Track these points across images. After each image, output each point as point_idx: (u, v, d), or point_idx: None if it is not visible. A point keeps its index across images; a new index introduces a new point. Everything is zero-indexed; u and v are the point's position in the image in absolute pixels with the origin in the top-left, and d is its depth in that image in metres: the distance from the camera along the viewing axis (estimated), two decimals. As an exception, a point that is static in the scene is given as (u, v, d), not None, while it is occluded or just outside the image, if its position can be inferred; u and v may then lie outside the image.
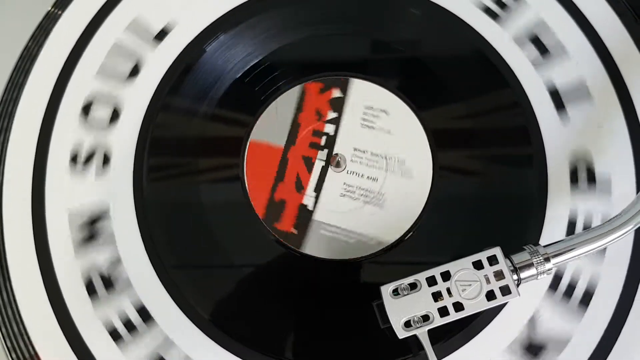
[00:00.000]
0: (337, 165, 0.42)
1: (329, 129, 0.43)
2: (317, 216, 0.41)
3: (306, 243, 0.41)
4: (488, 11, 0.46)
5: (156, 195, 0.42)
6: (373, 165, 0.42)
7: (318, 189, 0.42)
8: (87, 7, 0.46)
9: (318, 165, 0.42)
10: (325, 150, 0.43)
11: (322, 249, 0.41)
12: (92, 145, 0.43)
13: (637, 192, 0.41)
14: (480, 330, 0.39)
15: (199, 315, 0.40)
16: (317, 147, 0.43)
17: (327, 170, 0.42)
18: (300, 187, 0.42)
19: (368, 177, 0.42)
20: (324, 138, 0.43)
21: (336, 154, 0.42)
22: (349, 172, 0.42)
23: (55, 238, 0.41)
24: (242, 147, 0.43)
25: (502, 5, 0.46)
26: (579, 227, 0.41)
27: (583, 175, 0.42)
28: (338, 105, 0.43)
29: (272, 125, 0.43)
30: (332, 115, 0.43)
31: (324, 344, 0.39)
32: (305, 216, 0.41)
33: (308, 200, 0.42)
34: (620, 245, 0.40)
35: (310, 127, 0.43)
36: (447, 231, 0.41)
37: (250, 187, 0.41)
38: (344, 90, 0.44)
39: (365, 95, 0.44)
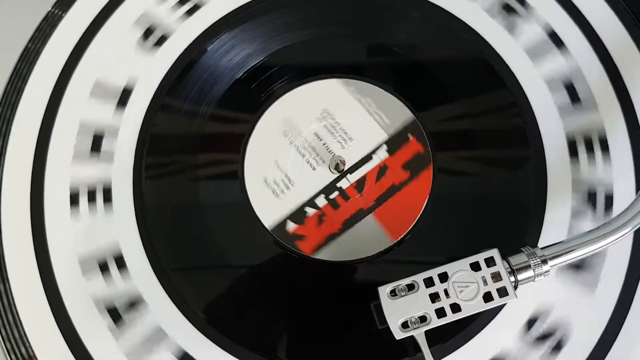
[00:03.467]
0: (337, 167, 0.42)
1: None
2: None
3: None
4: (489, 12, 0.46)
5: (155, 195, 0.42)
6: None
7: (360, 177, 0.43)
8: (89, 8, 0.46)
9: (342, 182, 0.43)
10: (327, 193, 0.43)
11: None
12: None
13: (636, 193, 0.41)
14: (478, 332, 0.39)
15: (197, 316, 0.40)
16: (329, 199, 0.42)
17: (346, 171, 0.43)
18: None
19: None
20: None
21: (332, 159, 0.42)
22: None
23: (54, 238, 0.41)
24: (242, 146, 0.43)
25: (504, 6, 0.46)
26: (578, 229, 0.41)
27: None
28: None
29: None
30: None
31: (322, 345, 0.39)
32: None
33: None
34: (619, 247, 0.40)
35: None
36: (446, 232, 0.41)
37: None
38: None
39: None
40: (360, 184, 0.42)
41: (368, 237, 0.41)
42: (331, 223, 0.42)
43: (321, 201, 0.42)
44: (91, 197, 0.42)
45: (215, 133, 0.44)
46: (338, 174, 0.42)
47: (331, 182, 0.42)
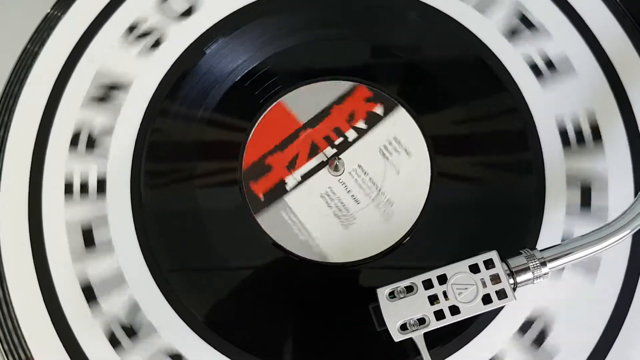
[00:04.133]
0: (335, 169, 0.42)
1: (351, 135, 0.43)
2: (288, 198, 0.42)
3: (264, 214, 0.41)
4: (488, 15, 0.46)
5: (154, 200, 0.42)
6: (364, 190, 0.42)
7: (306, 177, 0.42)
8: (87, 10, 0.46)
9: (319, 158, 0.43)
10: (334, 150, 0.43)
11: (271, 228, 0.41)
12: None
13: (635, 196, 0.41)
14: (477, 335, 0.39)
15: (196, 320, 0.39)
16: (330, 142, 0.43)
17: (324, 167, 0.42)
18: (292, 166, 0.42)
19: (353, 196, 0.42)
20: (340, 139, 0.43)
21: (340, 159, 0.42)
22: (341, 181, 0.42)
23: (52, 240, 0.41)
24: (240, 152, 0.43)
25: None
26: (577, 231, 0.41)
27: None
28: (373, 120, 0.43)
29: (307, 100, 0.43)
30: (361, 125, 0.43)
31: (320, 347, 0.39)
32: (278, 191, 0.42)
33: (291, 180, 0.42)
34: (617, 250, 0.40)
35: (337, 123, 0.43)
36: (445, 235, 0.41)
37: (250, 141, 0.42)
38: (387, 111, 0.44)
39: (400, 128, 0.43)
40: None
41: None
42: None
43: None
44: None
45: (215, 137, 0.44)
46: (326, 157, 0.42)
47: (324, 140, 0.43)
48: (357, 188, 0.42)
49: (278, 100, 0.44)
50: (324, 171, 0.42)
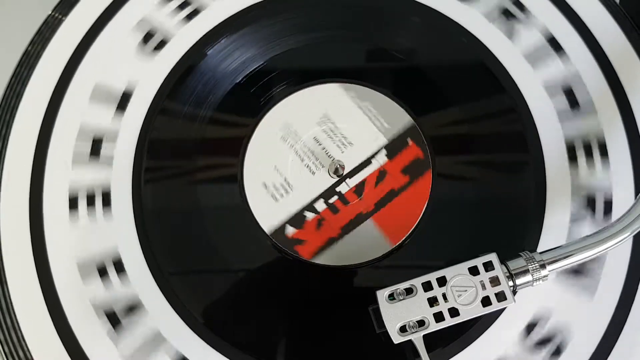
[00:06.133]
0: (336, 171, 0.42)
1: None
2: None
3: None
4: (488, 16, 0.46)
5: (155, 199, 0.42)
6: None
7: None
8: (89, 12, 0.46)
9: (341, 186, 0.43)
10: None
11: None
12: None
13: (635, 198, 0.41)
14: (477, 337, 0.39)
15: (196, 320, 0.40)
16: (328, 203, 0.43)
17: (345, 175, 0.43)
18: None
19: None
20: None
21: (340, 162, 0.43)
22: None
23: (53, 242, 0.41)
24: (242, 151, 0.43)
25: (504, 11, 0.46)
26: (577, 234, 0.41)
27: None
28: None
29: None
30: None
31: (319, 349, 0.39)
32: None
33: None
34: (618, 252, 0.40)
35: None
36: (444, 237, 0.41)
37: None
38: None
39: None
40: (359, 189, 0.42)
41: (367, 242, 0.41)
42: (330, 227, 0.42)
43: (320, 205, 0.42)
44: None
45: (215, 137, 0.44)
46: (337, 179, 0.42)
47: (330, 187, 0.42)
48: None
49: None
50: (324, 173, 0.43)
